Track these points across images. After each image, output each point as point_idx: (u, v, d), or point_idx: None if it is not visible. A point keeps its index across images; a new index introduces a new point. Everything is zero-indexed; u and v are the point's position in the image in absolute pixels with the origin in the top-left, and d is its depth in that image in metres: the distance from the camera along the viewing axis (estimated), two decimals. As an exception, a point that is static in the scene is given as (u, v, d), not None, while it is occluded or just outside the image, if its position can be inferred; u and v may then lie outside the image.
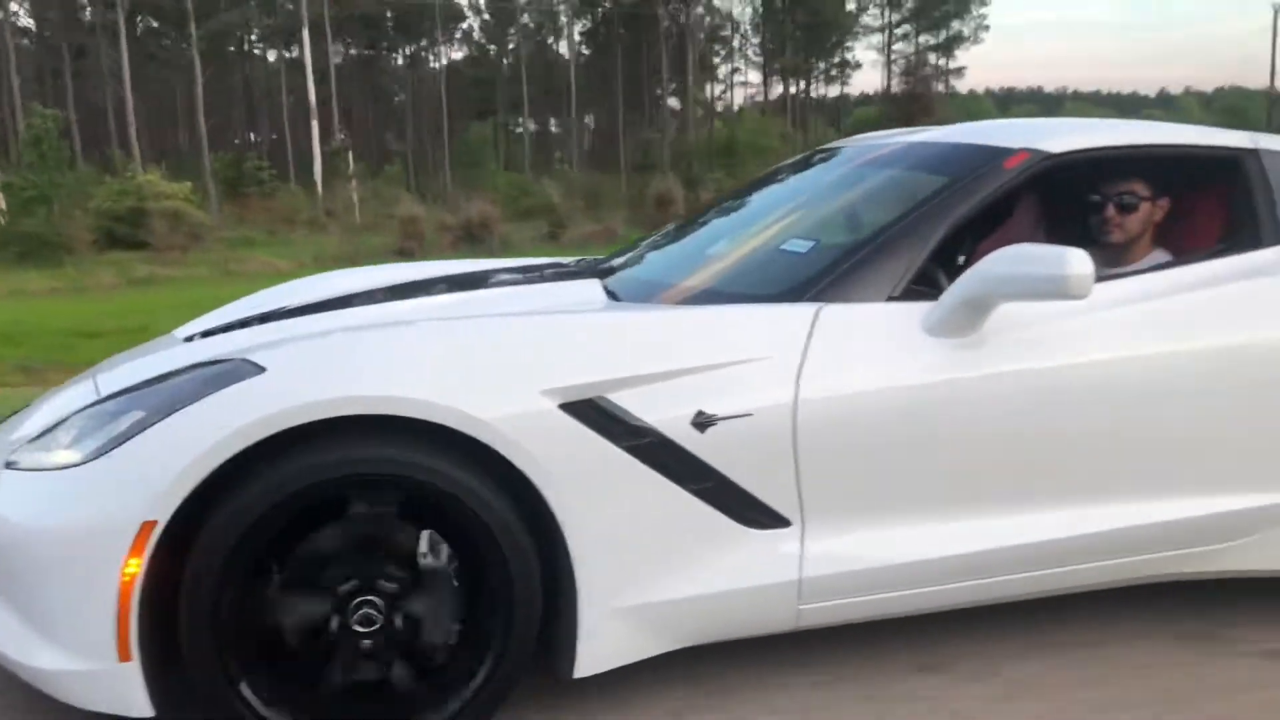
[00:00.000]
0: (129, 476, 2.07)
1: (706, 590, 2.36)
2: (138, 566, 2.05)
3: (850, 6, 56.06)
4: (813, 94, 59.70)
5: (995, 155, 2.74)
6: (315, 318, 2.86)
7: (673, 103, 54.86)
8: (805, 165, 3.51)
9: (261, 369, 2.16)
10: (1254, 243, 2.87)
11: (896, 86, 57.32)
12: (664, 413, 2.28)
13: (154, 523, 2.05)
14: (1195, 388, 2.64)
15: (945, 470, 2.47)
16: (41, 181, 20.63)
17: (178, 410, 2.13)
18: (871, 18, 57.92)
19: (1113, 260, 2.93)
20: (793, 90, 60.62)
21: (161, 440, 2.09)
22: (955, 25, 56.78)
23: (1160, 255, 3.01)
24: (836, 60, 58.33)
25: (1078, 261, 2.31)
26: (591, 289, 2.93)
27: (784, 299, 2.50)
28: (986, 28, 59.03)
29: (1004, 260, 2.39)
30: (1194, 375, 2.65)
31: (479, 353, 2.27)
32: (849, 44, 57.96)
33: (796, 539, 2.40)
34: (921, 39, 58.78)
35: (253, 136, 53.55)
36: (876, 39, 58.89)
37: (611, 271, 3.15)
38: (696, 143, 39.92)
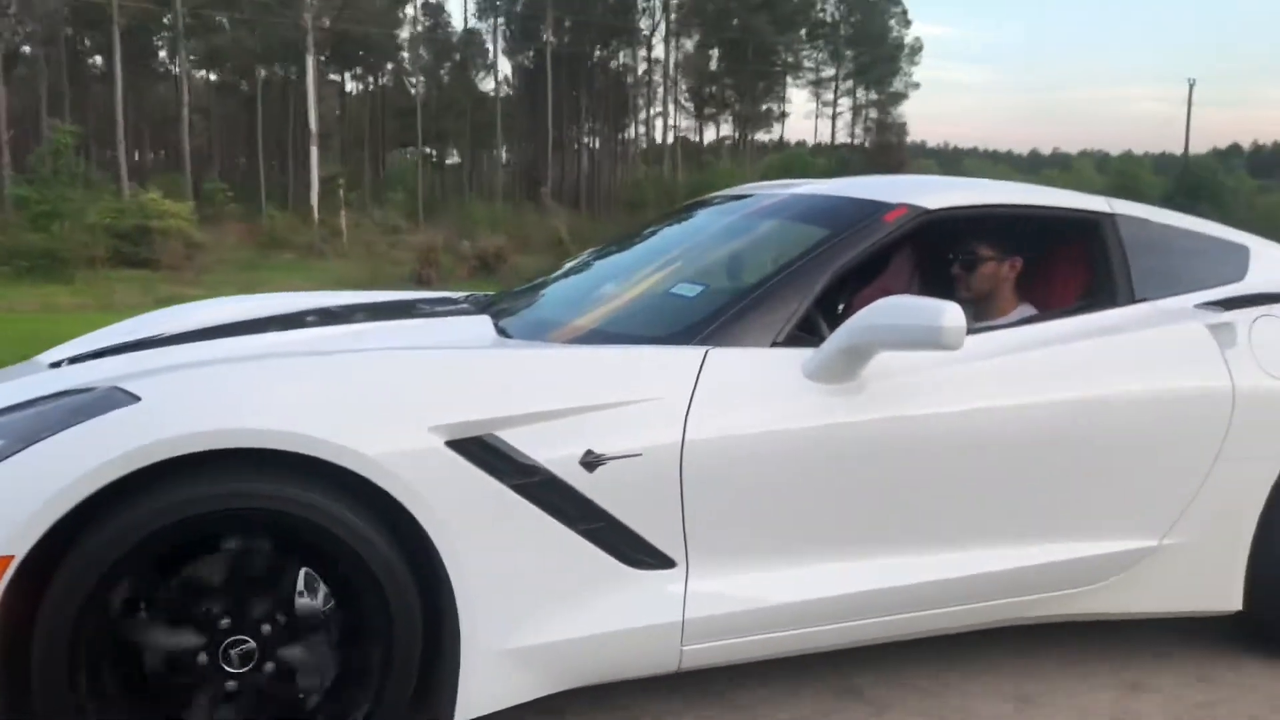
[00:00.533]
0: None
1: (591, 631, 2.35)
2: (-9, 604, 1.93)
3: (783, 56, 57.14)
4: (747, 139, 60.57)
5: (876, 209, 2.84)
6: (192, 346, 2.77)
7: (589, 142, 54.90)
8: (692, 212, 3.57)
9: (135, 398, 2.08)
10: (1110, 301, 3.05)
11: (844, 137, 59.85)
12: (553, 451, 2.28)
13: (10, 558, 1.94)
14: (1049, 439, 2.76)
15: (823, 513, 2.53)
16: (53, 196, 20.61)
17: (41, 439, 2.03)
18: (806, 70, 59.14)
19: (982, 313, 3.06)
20: (723, 135, 61.58)
21: (23, 470, 1.99)
22: (893, 82, 58.80)
23: (1026, 310, 3.15)
24: (765, 108, 59.43)
25: (951, 314, 2.41)
26: (482, 325, 2.92)
27: (673, 341, 2.54)
28: (917, 85, 61.29)
29: (882, 311, 2.48)
30: (1049, 427, 2.76)
31: (363, 387, 2.23)
32: (778, 92, 59.13)
33: (681, 580, 2.42)
34: (863, 94, 60.46)
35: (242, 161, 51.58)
36: (806, 90, 60.30)
37: (502, 309, 3.14)
38: (672, 183, 39.88)
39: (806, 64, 59.11)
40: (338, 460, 2.10)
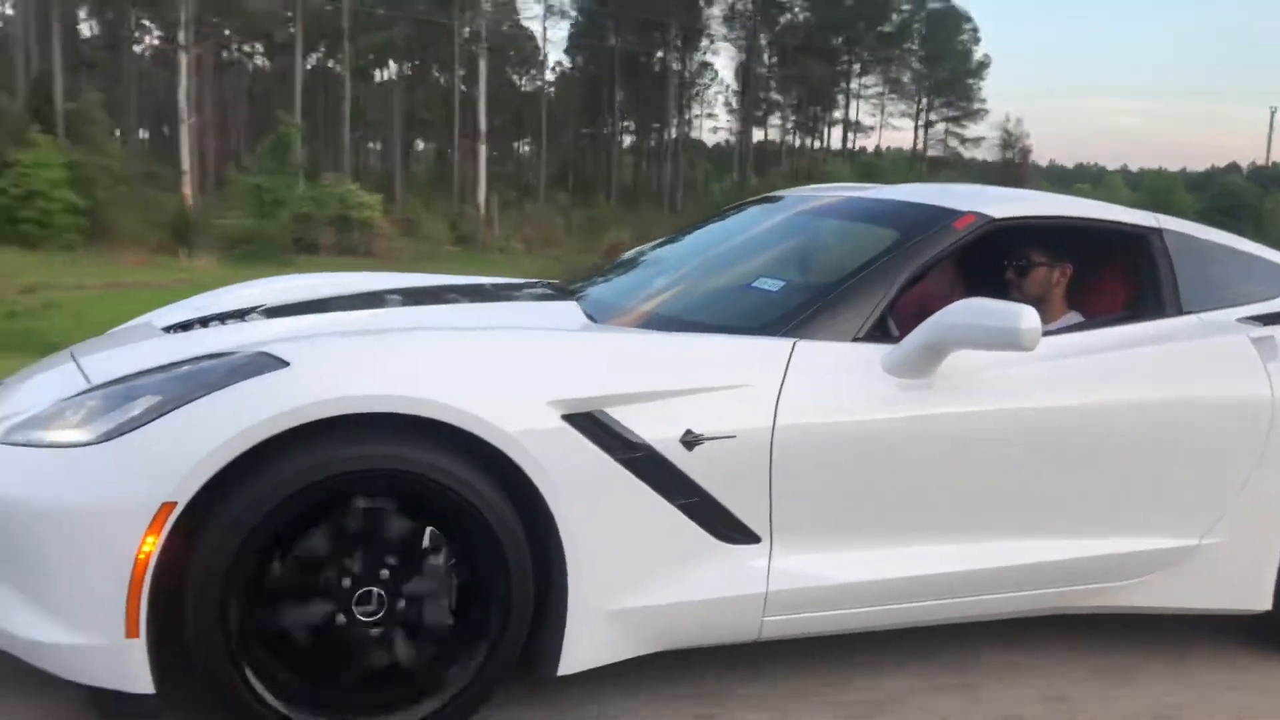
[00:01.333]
0: (151, 458, 2.13)
1: (682, 599, 2.53)
2: (153, 545, 2.10)
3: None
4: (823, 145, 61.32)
5: (947, 215, 3.03)
6: (305, 318, 2.93)
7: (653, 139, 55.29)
8: (758, 208, 3.76)
9: (285, 363, 2.25)
10: (1158, 312, 3.24)
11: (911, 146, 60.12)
12: (656, 430, 2.46)
13: (173, 504, 2.11)
14: (1101, 439, 2.95)
15: (897, 499, 2.72)
16: (279, 185, 22.71)
17: (199, 397, 2.19)
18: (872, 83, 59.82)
19: None
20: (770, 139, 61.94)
21: (184, 425, 2.16)
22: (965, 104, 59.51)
23: (1074, 316, 3.35)
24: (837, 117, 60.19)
25: (1029, 317, 2.60)
26: (570, 310, 3.09)
27: (761, 332, 2.72)
28: (984, 102, 61.91)
29: (963, 312, 2.66)
30: (1101, 428, 2.95)
31: (492, 360, 2.41)
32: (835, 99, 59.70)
33: (765, 555, 2.60)
34: (945, 111, 61.14)
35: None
36: (871, 102, 60.89)
37: (584, 295, 3.31)
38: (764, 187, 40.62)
39: (867, 81, 59.28)
40: (469, 427, 2.27)
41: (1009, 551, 2.84)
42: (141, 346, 2.79)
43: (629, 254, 4.00)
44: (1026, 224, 3.18)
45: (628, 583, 2.47)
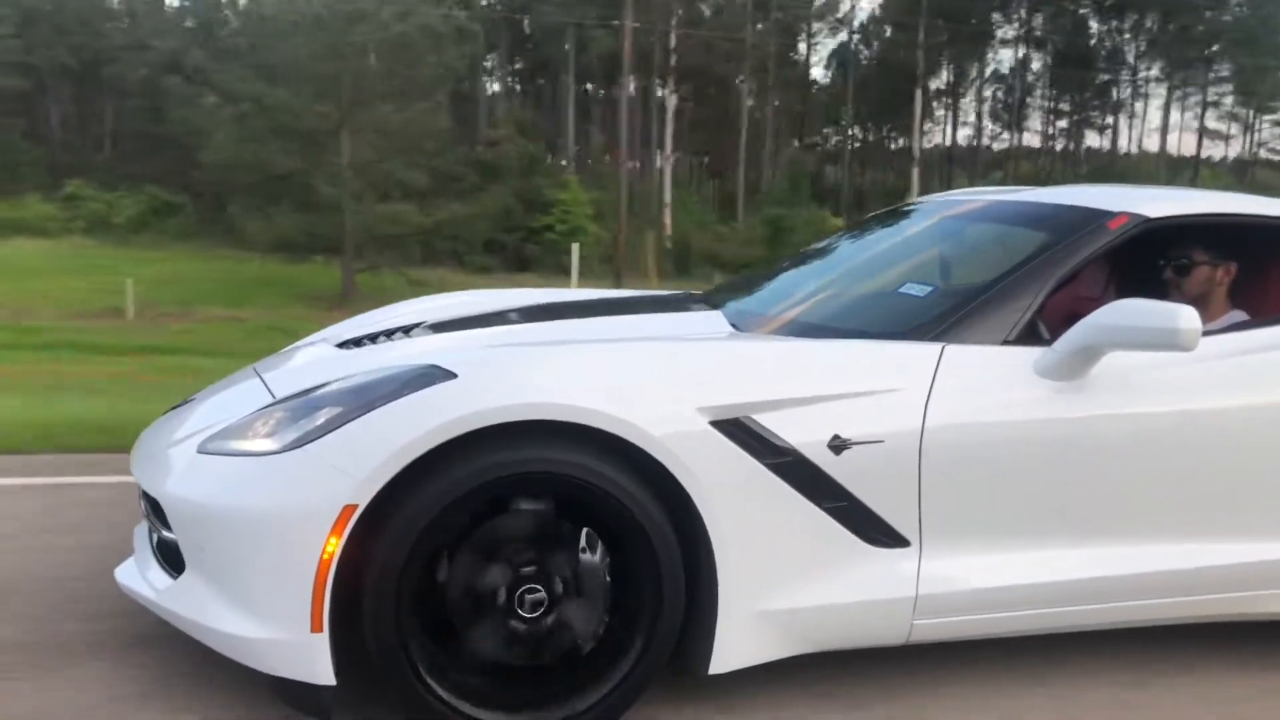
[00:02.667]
0: (333, 464, 2.30)
1: (830, 601, 2.56)
2: (336, 546, 2.27)
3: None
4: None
5: (1100, 216, 2.97)
6: (467, 333, 3.10)
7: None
8: (902, 214, 3.75)
9: (453, 375, 2.39)
10: (1328, 309, 3.10)
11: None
12: (803, 435, 2.50)
13: (355, 506, 2.27)
14: (1263, 444, 2.86)
15: (1048, 503, 2.69)
16: (792, 215, 26.29)
17: (376, 407, 2.36)
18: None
19: None
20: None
21: (363, 433, 2.32)
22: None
23: (1238, 315, 3.23)
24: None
25: (1188, 317, 2.54)
26: (714, 319, 3.17)
27: (909, 337, 2.73)
28: None
29: (1119, 313, 2.62)
30: (1263, 432, 2.86)
31: (642, 370, 2.50)
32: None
33: (915, 559, 2.61)
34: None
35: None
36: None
37: (728, 304, 3.38)
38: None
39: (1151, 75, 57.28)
40: (623, 434, 2.37)
41: (1164, 556, 2.78)
42: (319, 362, 3.00)
43: (772, 264, 4.06)
44: (1184, 222, 3.09)
45: (776, 585, 2.52)
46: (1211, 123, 58.20)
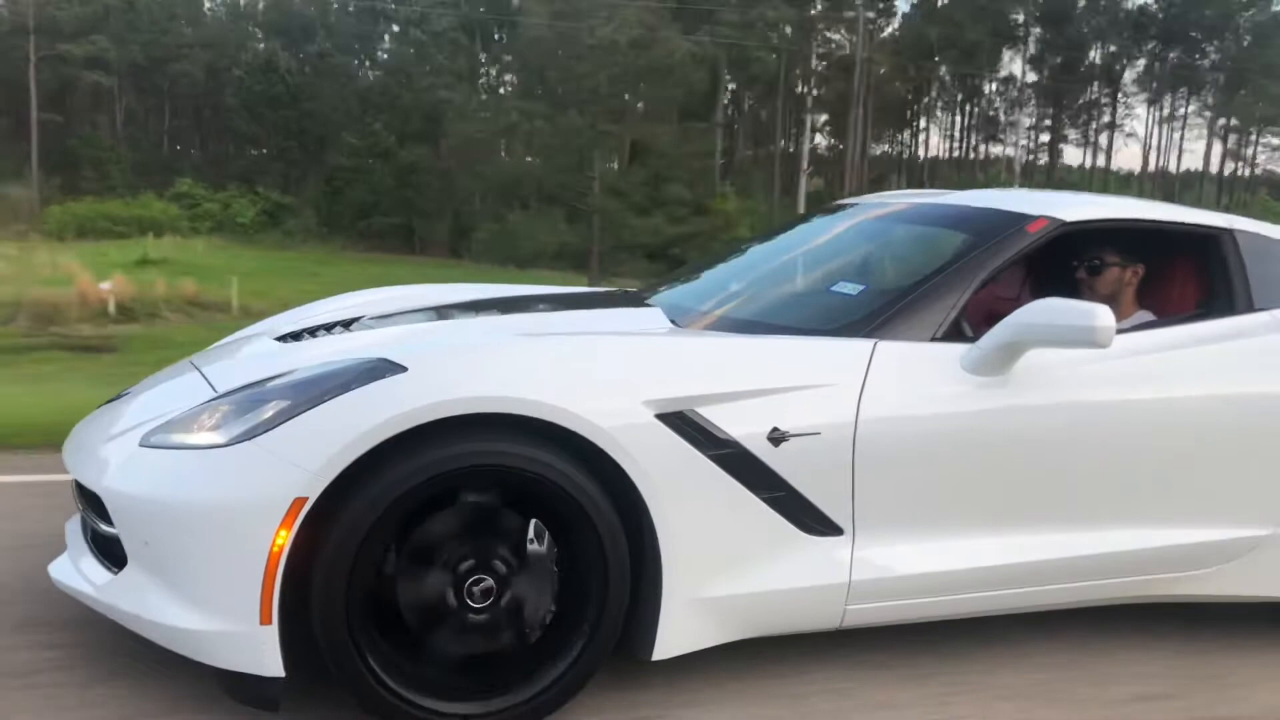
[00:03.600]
0: (284, 457, 2.31)
1: (768, 588, 2.66)
2: (286, 538, 2.28)
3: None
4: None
5: (1020, 220, 3.12)
6: (407, 327, 3.12)
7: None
8: (832, 214, 3.88)
9: (403, 368, 2.42)
10: (1229, 309, 3.30)
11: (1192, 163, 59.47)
12: (744, 427, 2.59)
13: (305, 499, 2.28)
14: (1174, 433, 3.03)
15: (975, 492, 2.82)
16: None
17: (326, 400, 2.37)
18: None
19: None
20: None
21: (314, 426, 2.33)
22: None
23: (1145, 315, 3.42)
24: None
25: (1103, 315, 2.69)
26: (653, 315, 3.23)
27: (843, 334, 2.84)
28: None
29: (1040, 311, 2.76)
30: (1173, 422, 3.04)
31: (589, 364, 2.56)
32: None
33: (848, 546, 2.72)
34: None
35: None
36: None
37: (659, 300, 3.46)
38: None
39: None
40: (571, 426, 2.42)
41: (1082, 542, 2.94)
42: (259, 355, 2.99)
43: (699, 262, 4.15)
44: (1098, 226, 3.26)
45: (718, 572, 2.61)
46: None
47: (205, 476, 2.37)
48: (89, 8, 49.33)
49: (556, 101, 27.27)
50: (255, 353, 3.10)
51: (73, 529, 2.91)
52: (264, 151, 52.97)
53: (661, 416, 2.52)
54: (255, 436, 2.36)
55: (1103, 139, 62.62)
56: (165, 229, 38.46)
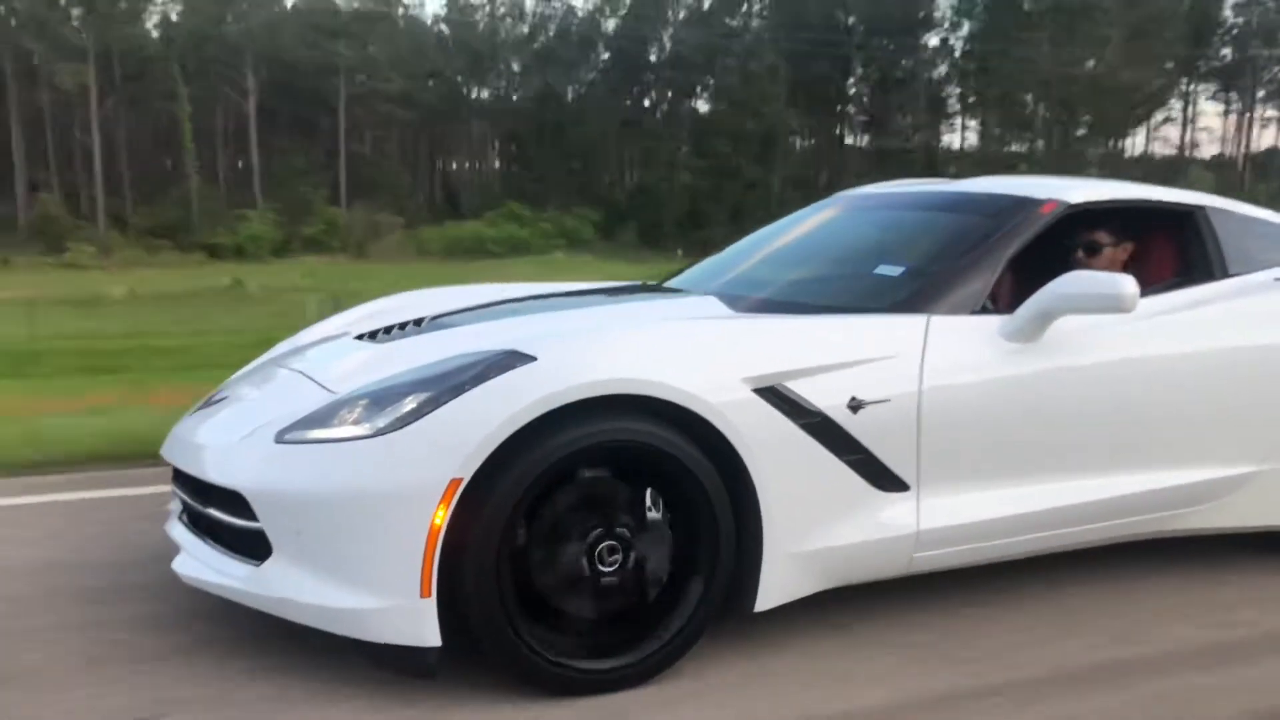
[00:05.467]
0: (437, 443, 2.52)
1: (849, 541, 2.96)
2: (444, 516, 2.49)
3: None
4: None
5: (1033, 204, 3.49)
6: (498, 321, 3.32)
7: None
8: (849, 202, 4.22)
9: (533, 358, 2.64)
10: (1207, 276, 3.74)
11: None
12: (827, 398, 2.88)
13: (460, 480, 2.50)
14: (1175, 385, 3.45)
15: (1019, 443, 3.18)
16: None
17: (467, 390, 2.58)
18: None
19: None
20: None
21: (461, 413, 2.55)
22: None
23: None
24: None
25: (1128, 284, 3.07)
26: (709, 302, 3.51)
27: (897, 311, 3.16)
28: None
29: (1071, 283, 3.12)
30: (1175, 376, 3.45)
31: (694, 348, 2.82)
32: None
33: (914, 500, 3.04)
34: None
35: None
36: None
37: (703, 288, 3.75)
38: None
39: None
40: (687, 404, 2.68)
41: (1110, 485, 3.32)
42: (356, 354, 3.18)
43: (713, 257, 4.44)
44: (1098, 208, 3.65)
45: (808, 529, 2.90)
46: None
47: (359, 466, 2.56)
48: (390, 48, 57.60)
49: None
50: (347, 352, 3.27)
51: (179, 529, 3.06)
52: (539, 175, 59.37)
53: (758, 391, 2.80)
54: (405, 426, 2.56)
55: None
56: (528, 246, 45.23)
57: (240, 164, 58.89)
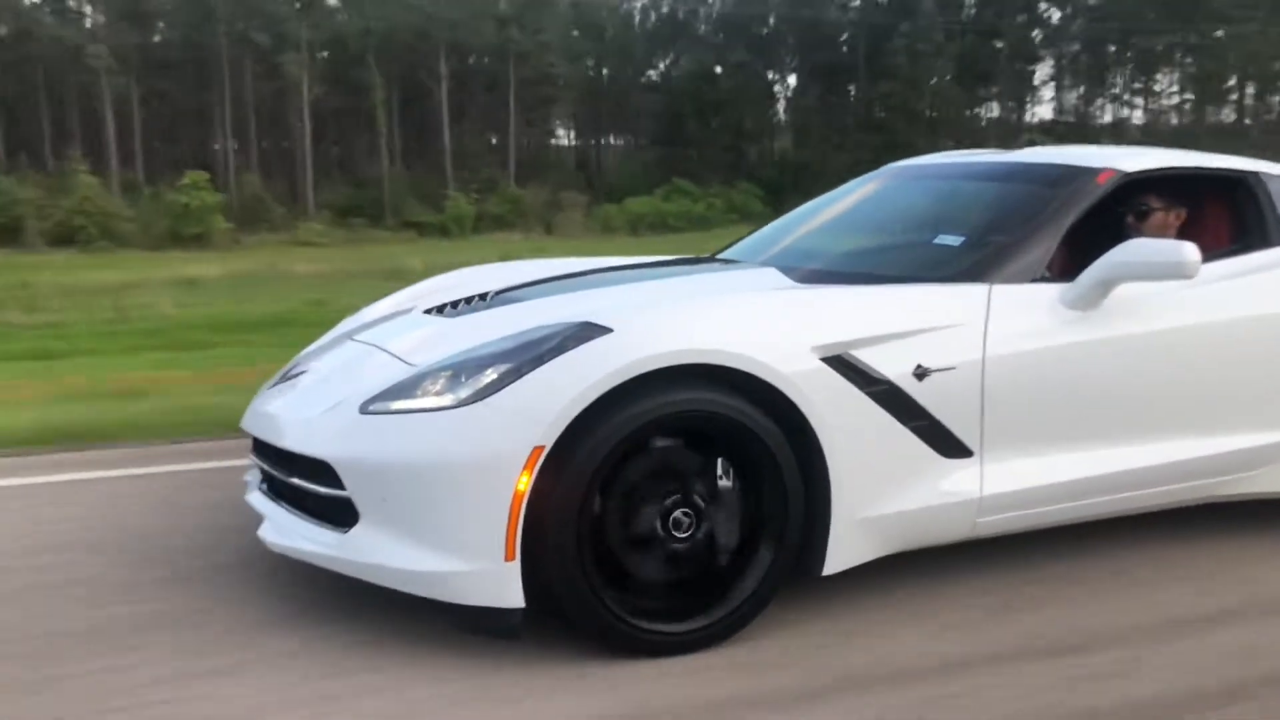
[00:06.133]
0: (520, 412, 2.60)
1: (913, 506, 3.02)
2: (527, 483, 2.58)
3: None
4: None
5: (1090, 173, 3.52)
6: (565, 295, 3.40)
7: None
8: (904, 173, 4.26)
9: (608, 329, 2.72)
10: (1262, 243, 3.75)
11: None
12: (893, 366, 2.94)
13: (542, 448, 2.58)
14: (1234, 353, 3.48)
15: (1084, 409, 3.22)
16: None
17: (546, 361, 2.66)
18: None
19: None
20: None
21: (542, 383, 2.63)
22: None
23: None
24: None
25: (1190, 250, 3.11)
26: (769, 274, 3.56)
27: (960, 280, 3.21)
28: None
29: (1133, 250, 3.16)
30: (1233, 343, 3.48)
31: (763, 318, 2.88)
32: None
33: (977, 466, 3.10)
34: None
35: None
36: None
37: (759, 260, 3.82)
38: None
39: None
40: (758, 374, 2.75)
41: (1170, 450, 3.37)
42: (429, 328, 3.27)
43: (763, 229, 4.49)
44: (1152, 176, 3.67)
45: (875, 495, 2.96)
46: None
47: (444, 435, 2.65)
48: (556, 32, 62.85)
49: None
50: (418, 325, 3.36)
51: (261, 498, 3.16)
52: (698, 152, 62.45)
53: (826, 360, 2.86)
54: (487, 397, 2.65)
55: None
56: (708, 220, 48.64)
57: (423, 144, 62.55)
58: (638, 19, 71.24)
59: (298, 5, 55.81)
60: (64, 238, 39.28)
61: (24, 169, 46.85)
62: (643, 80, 69.10)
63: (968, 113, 66.15)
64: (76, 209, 40.21)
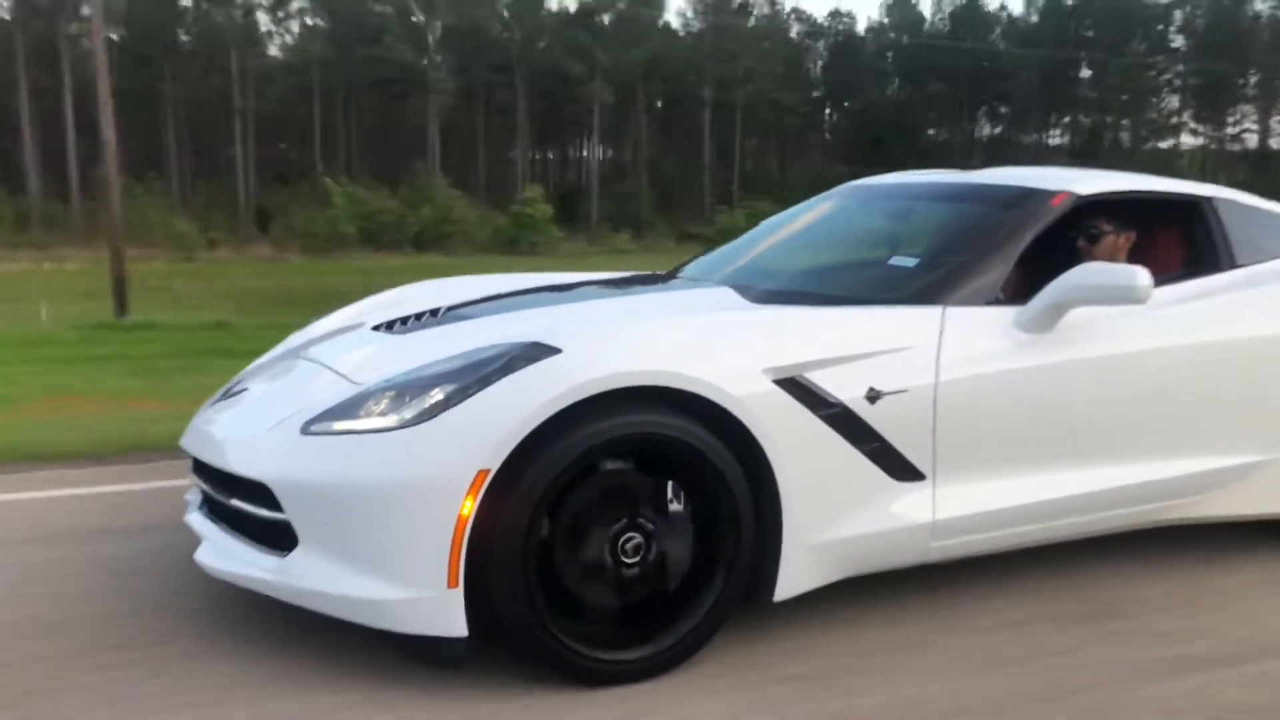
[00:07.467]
0: (465, 434, 2.53)
1: (866, 531, 2.98)
2: (471, 507, 2.51)
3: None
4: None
5: (1045, 195, 3.52)
6: (508, 314, 3.34)
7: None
8: (856, 195, 4.24)
9: (557, 350, 2.66)
10: (1214, 267, 3.77)
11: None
12: (846, 389, 2.91)
13: (487, 471, 2.52)
14: (1187, 375, 3.48)
15: (1036, 433, 3.21)
16: None
17: (493, 382, 2.60)
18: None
19: None
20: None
21: (489, 404, 2.56)
22: None
23: None
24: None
25: (1143, 275, 3.10)
26: (724, 293, 3.52)
27: (913, 302, 3.19)
28: None
29: (1085, 274, 3.15)
30: (1185, 366, 3.48)
31: (715, 339, 2.84)
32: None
33: (930, 489, 3.07)
34: None
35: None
36: None
37: (714, 279, 3.77)
38: None
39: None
40: (709, 395, 2.70)
41: (1125, 474, 3.36)
42: (375, 345, 3.19)
43: (722, 247, 4.46)
44: (1104, 199, 3.68)
45: (827, 519, 2.92)
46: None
47: (386, 457, 2.58)
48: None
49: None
50: (365, 342, 3.28)
51: (201, 520, 3.07)
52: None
53: (778, 382, 2.82)
54: (432, 417, 2.58)
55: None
56: None
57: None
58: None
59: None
60: (428, 244, 42.84)
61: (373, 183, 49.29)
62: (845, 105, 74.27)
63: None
64: (441, 218, 44.67)
